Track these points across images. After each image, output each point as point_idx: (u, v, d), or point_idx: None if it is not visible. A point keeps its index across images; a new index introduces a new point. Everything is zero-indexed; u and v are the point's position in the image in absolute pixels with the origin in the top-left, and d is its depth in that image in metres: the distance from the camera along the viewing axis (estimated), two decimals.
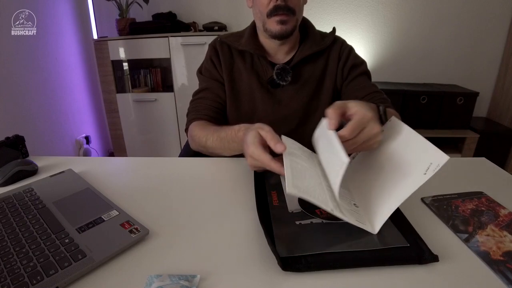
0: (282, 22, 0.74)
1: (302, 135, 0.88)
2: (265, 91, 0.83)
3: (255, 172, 0.60)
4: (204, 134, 0.75)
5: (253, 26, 0.86)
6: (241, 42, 0.84)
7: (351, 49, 0.87)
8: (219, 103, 0.86)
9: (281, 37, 0.77)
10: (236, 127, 0.65)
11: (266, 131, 0.52)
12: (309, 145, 0.94)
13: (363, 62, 0.86)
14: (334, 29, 0.87)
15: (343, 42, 0.87)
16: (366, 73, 0.86)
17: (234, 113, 0.86)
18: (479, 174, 0.64)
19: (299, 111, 0.84)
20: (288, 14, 0.74)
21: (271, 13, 0.74)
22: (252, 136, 0.52)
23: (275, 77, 0.80)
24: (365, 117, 0.47)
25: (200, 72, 0.90)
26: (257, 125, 0.55)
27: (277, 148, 0.49)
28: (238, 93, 0.85)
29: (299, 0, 0.76)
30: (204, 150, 0.77)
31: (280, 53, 0.85)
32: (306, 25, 0.87)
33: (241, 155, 0.73)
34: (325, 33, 0.88)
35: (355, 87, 0.83)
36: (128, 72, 2.18)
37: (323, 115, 0.95)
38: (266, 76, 0.83)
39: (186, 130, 0.85)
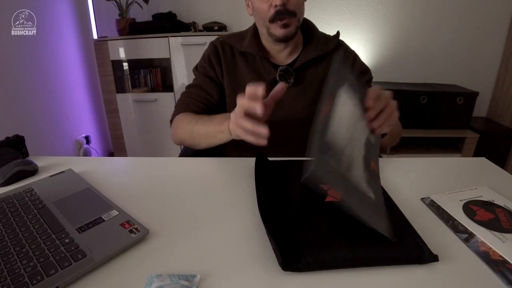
0: (285, 26, 0.75)
1: (304, 138, 0.88)
2: (267, 92, 0.83)
3: (255, 171, 0.60)
4: (195, 119, 0.75)
5: (255, 27, 0.86)
6: (243, 43, 0.84)
7: (355, 56, 0.87)
8: (208, 100, 0.85)
9: (285, 39, 0.77)
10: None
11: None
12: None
13: (368, 70, 0.87)
14: (338, 33, 0.88)
15: (346, 47, 0.88)
16: (371, 80, 0.88)
17: None
18: (479, 174, 0.64)
19: (300, 114, 0.84)
20: (290, 17, 0.75)
21: (273, 19, 0.75)
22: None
23: (277, 78, 0.80)
24: (377, 88, 0.54)
25: (196, 68, 0.90)
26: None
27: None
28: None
29: (298, 0, 0.76)
30: (189, 137, 0.76)
31: (282, 55, 0.84)
32: (309, 27, 0.87)
33: (241, 156, 0.73)
34: (329, 36, 0.88)
35: None
36: (128, 72, 2.18)
37: None
38: (268, 77, 0.83)
39: (171, 121, 0.84)
